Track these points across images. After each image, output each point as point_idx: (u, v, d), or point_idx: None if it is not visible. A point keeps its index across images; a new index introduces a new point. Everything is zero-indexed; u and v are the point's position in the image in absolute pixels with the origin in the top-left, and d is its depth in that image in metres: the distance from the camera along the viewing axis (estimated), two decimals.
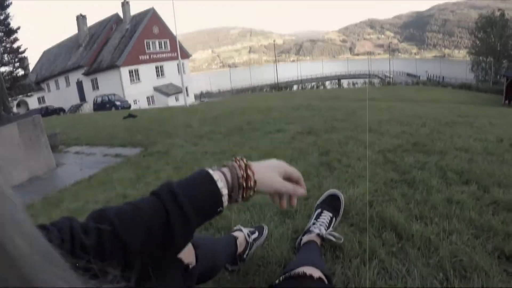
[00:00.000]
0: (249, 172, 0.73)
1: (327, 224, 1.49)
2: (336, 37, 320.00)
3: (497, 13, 41.43)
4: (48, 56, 43.57)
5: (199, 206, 0.66)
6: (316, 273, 0.96)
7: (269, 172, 0.77)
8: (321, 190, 1.94)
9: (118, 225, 0.60)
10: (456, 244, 1.41)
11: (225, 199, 0.69)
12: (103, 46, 35.67)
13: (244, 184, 0.72)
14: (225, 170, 0.73)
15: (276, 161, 0.82)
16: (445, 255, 1.33)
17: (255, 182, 0.73)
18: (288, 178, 0.81)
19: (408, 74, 54.05)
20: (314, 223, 1.50)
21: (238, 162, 0.74)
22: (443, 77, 42.08)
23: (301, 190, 0.82)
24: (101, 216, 0.62)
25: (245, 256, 1.42)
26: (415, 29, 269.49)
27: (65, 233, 0.54)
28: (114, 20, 37.98)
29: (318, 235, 1.42)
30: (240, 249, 1.39)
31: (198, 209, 0.65)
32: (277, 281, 0.98)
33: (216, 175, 0.70)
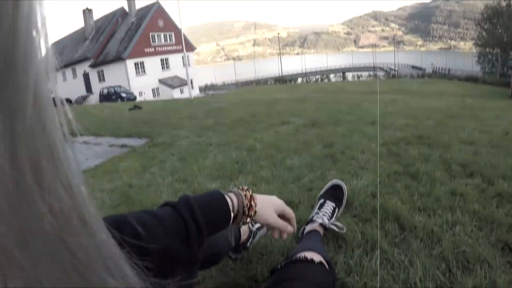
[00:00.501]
0: (252, 203, 0.83)
1: (330, 214, 1.50)
2: (340, 29, 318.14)
3: (504, 3, 40.71)
4: (55, 48, 43.30)
5: (211, 221, 0.75)
6: (317, 257, 0.98)
7: (268, 207, 0.88)
8: (325, 182, 1.94)
9: (140, 230, 0.65)
10: (459, 235, 1.41)
11: (230, 220, 0.80)
12: (109, 39, 35.75)
13: (246, 212, 0.81)
14: (232, 196, 0.82)
15: (275, 198, 0.93)
16: (448, 247, 1.33)
17: (255, 212, 0.83)
18: (283, 216, 0.92)
19: (413, 67, 53.48)
20: (317, 213, 1.50)
21: (244, 192, 0.84)
22: (449, 70, 41.55)
23: (290, 228, 0.93)
24: (123, 221, 0.67)
25: (248, 244, 1.43)
26: (420, 20, 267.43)
27: None
28: (120, 14, 38.00)
29: (321, 224, 1.43)
30: (243, 237, 1.41)
31: (209, 224, 0.74)
32: (279, 266, 1.00)
33: (227, 198, 0.79)
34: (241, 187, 0.86)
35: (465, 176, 2.08)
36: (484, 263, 1.23)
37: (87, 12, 38.99)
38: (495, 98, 13.30)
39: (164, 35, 35.64)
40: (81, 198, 0.26)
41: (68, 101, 31.09)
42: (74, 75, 37.20)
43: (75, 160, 0.28)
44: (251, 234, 1.45)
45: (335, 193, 1.62)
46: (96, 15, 40.49)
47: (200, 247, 0.74)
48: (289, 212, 0.94)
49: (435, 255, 1.31)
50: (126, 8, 37.47)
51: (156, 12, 35.03)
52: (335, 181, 1.67)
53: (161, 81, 34.13)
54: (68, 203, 0.25)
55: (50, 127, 0.24)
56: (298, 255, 1.00)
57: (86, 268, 0.26)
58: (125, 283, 0.30)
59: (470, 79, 32.26)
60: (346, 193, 1.65)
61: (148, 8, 35.55)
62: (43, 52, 0.24)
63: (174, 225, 0.70)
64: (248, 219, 0.83)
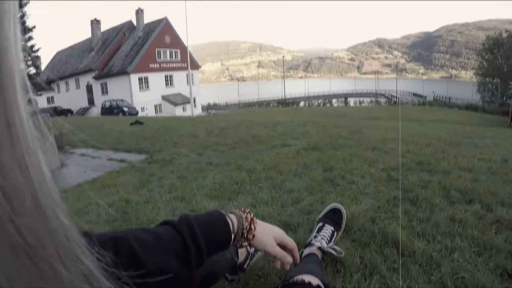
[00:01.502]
0: (252, 226, 0.81)
1: (329, 238, 1.49)
2: (344, 55, 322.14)
3: (505, 35, 41.57)
4: (61, 57, 44.31)
5: (211, 242, 0.74)
6: (314, 280, 0.96)
7: (267, 233, 0.86)
8: (324, 205, 1.93)
9: (138, 248, 0.64)
10: (458, 261, 1.40)
11: (231, 241, 0.78)
12: (115, 52, 36.17)
13: (245, 235, 0.80)
14: (233, 217, 0.80)
15: (277, 228, 0.91)
16: (447, 272, 1.32)
17: (253, 236, 0.82)
18: (284, 246, 0.89)
19: (415, 94, 54.04)
20: (315, 236, 1.49)
21: (245, 214, 0.82)
22: (449, 98, 41.96)
23: (289, 259, 0.89)
24: (121, 238, 0.66)
25: (245, 266, 1.42)
26: (422, 49, 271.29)
27: None
28: (127, 27, 38.55)
29: (319, 248, 1.42)
30: (240, 259, 1.39)
31: (210, 245, 0.73)
32: None
33: (227, 219, 0.79)
34: (242, 209, 0.85)
35: (464, 203, 2.08)
36: None
37: (95, 23, 39.60)
38: (494, 127, 13.36)
39: (170, 51, 36.11)
40: (38, 181, 0.26)
41: (70, 112, 31.20)
42: (77, 86, 37.51)
43: (40, 145, 0.27)
44: (249, 255, 1.43)
45: (334, 217, 1.61)
46: (104, 27, 41.18)
47: (198, 268, 0.73)
48: (291, 243, 0.91)
49: (434, 280, 1.30)
50: (134, 22, 38.02)
51: (164, 28, 35.54)
52: (335, 204, 1.67)
53: (164, 98, 34.35)
54: (22, 184, 0.24)
55: (11, 105, 0.23)
56: (295, 278, 0.99)
57: (37, 255, 0.25)
58: (81, 276, 0.29)
59: (470, 107, 32.53)
60: (345, 217, 1.65)
61: (156, 24, 36.11)
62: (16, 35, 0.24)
63: (174, 245, 0.69)
64: (246, 243, 0.82)
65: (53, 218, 0.27)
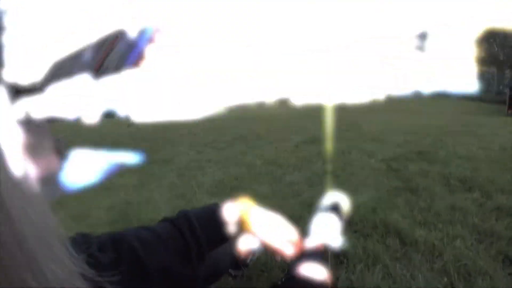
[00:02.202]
0: (249, 215, 0.79)
1: (330, 229, 1.49)
2: None
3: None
4: (56, 65, 44.09)
5: (211, 235, 0.72)
6: (318, 272, 0.96)
7: (266, 224, 0.82)
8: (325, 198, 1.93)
9: (138, 247, 0.62)
10: (460, 249, 1.41)
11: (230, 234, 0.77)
12: (109, 53, 35.96)
13: (244, 225, 0.78)
14: (231, 208, 0.78)
15: (279, 216, 0.86)
16: (449, 260, 1.33)
17: (252, 227, 0.79)
18: (285, 236, 0.87)
19: None
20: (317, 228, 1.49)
21: (244, 205, 0.80)
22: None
23: (288, 249, 0.85)
24: (120, 238, 0.64)
25: (248, 261, 1.42)
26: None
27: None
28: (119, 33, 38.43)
29: (321, 240, 1.42)
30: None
31: (209, 238, 0.71)
32: (279, 282, 0.99)
33: (226, 211, 0.77)
34: (240, 199, 0.85)
35: (464, 191, 2.09)
36: (486, 276, 1.23)
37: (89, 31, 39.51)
38: (492, 116, 13.37)
39: None
40: (4, 181, 0.24)
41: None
42: None
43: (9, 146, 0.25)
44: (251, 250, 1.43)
45: (335, 208, 1.61)
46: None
47: (200, 263, 0.72)
48: (291, 234, 0.91)
49: (437, 268, 1.31)
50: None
51: (155, 30, 35.34)
52: (335, 195, 1.67)
53: None
54: None
55: None
56: (298, 271, 0.99)
57: (4, 262, 0.23)
58: (53, 283, 0.27)
59: (467, 97, 32.39)
60: (346, 208, 1.64)
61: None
62: None
63: (173, 241, 0.68)
64: (245, 233, 0.82)
65: (20, 221, 0.25)
